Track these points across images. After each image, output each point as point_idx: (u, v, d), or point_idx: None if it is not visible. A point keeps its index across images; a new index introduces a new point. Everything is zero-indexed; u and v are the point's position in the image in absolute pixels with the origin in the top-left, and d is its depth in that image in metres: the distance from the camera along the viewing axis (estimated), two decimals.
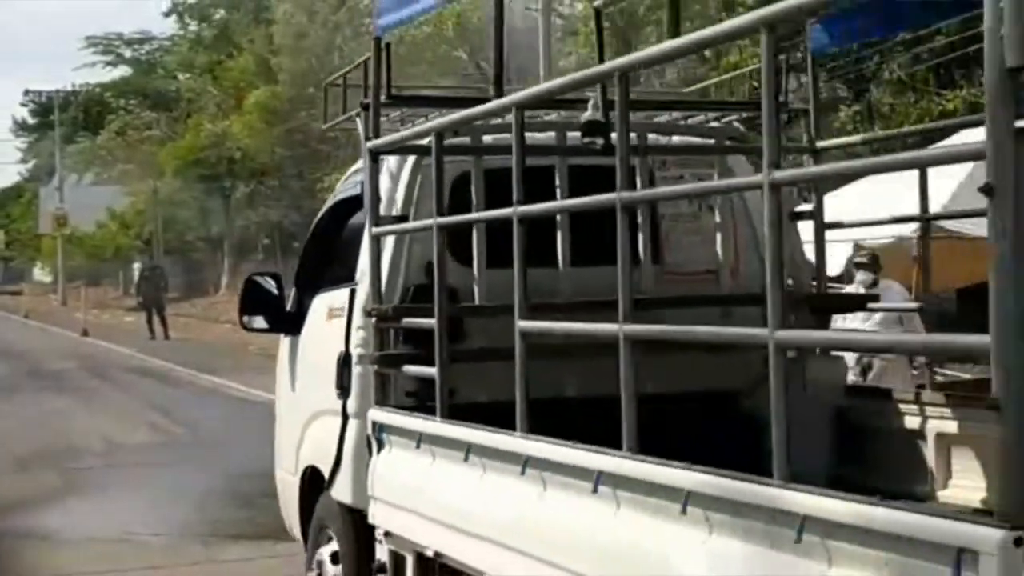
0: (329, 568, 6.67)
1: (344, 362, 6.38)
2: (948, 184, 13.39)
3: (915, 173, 15.47)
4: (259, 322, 7.61)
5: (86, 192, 65.53)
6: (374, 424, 5.97)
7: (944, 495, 5.69)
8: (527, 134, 5.07)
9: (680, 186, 5.85)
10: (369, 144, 6.09)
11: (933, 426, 5.70)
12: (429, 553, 5.50)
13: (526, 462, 4.70)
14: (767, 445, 3.52)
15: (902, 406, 5.89)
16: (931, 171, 15.32)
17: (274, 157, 41.00)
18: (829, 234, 14.37)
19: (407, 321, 5.96)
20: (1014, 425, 2.89)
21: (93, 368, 26.59)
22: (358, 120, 6.35)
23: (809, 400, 5.66)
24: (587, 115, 5.64)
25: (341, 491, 6.43)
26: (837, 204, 15.91)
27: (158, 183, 51.95)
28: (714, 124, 6.92)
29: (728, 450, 4.15)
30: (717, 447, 4.13)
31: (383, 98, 6.13)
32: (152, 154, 50.98)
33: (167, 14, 56.55)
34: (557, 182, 5.88)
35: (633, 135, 5.42)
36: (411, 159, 6.31)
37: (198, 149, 44.74)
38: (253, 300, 7.62)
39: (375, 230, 6.08)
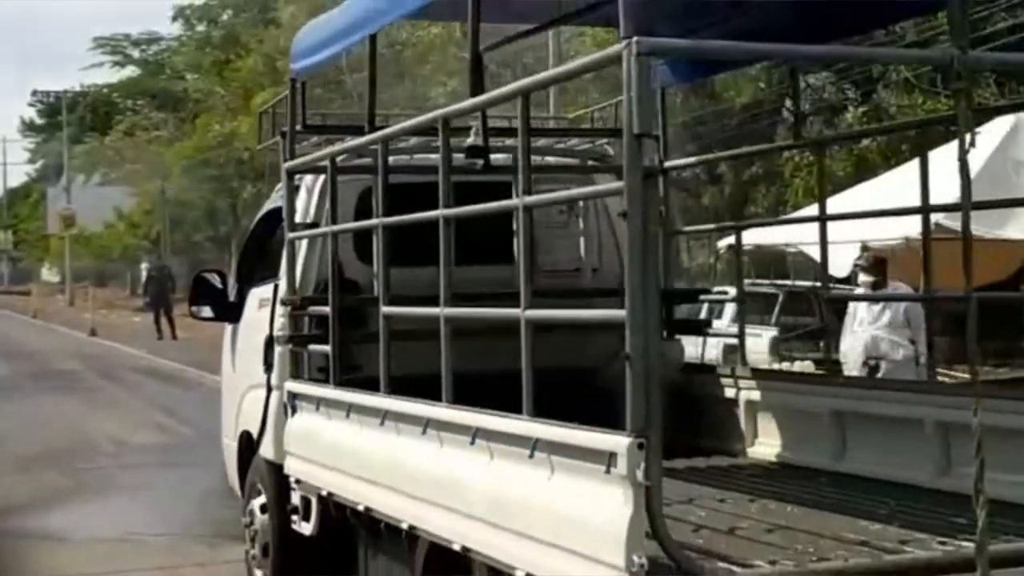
0: (258, 516, 8.05)
1: (269, 344, 7.73)
2: (955, 189, 13.34)
3: (929, 171, 15.29)
4: (206, 311, 9.14)
5: (94, 192, 65.56)
6: (288, 393, 7.39)
7: (752, 451, 7.08)
8: (427, 155, 6.63)
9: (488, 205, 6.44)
10: (286, 165, 7.45)
11: (744, 396, 7.17)
12: (324, 493, 6.89)
13: (384, 415, 6.17)
14: (616, 406, 4.59)
15: (723, 380, 7.35)
16: (941, 172, 15.25)
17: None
18: (836, 234, 14.34)
19: (312, 309, 7.30)
20: (636, 372, 4.23)
21: (100, 368, 26.61)
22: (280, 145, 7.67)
23: None
24: (470, 140, 6.60)
25: (266, 449, 7.82)
26: (848, 202, 15.88)
27: (165, 183, 52.00)
28: (584, 146, 8.24)
29: (584, 411, 5.14)
30: (575, 410, 5.08)
31: (298, 127, 7.44)
32: (160, 154, 51.02)
33: (174, 18, 56.63)
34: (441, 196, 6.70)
35: (509, 156, 6.98)
36: (323, 176, 7.37)
37: (206, 149, 44.74)
38: (201, 293, 9.18)
39: (290, 235, 7.46)
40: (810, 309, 22.38)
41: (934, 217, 12.80)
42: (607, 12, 7.04)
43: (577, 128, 8.59)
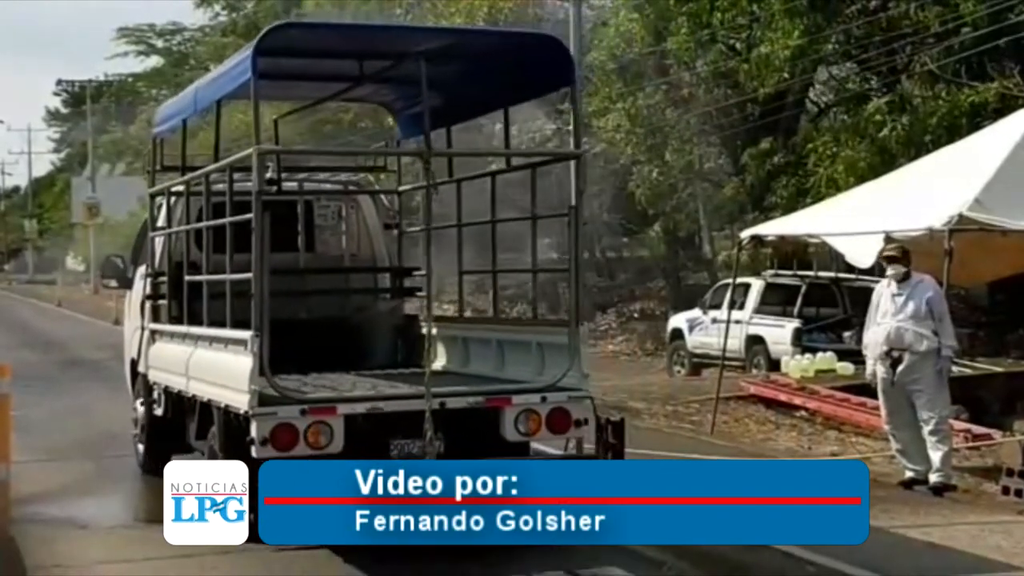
0: (140, 411, 12.36)
1: (143, 300, 12.05)
2: (978, 182, 13.31)
3: (950, 163, 15.25)
4: (113, 283, 13.86)
5: (118, 182, 65.82)
6: (150, 331, 11.80)
7: (435, 366, 10.50)
8: (243, 183, 9.80)
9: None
10: (149, 191, 12.25)
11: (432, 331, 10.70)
12: (163, 387, 11.30)
13: (184, 336, 10.68)
14: (360, 337, 11.59)
15: (422, 323, 11.27)
16: (963, 165, 15.17)
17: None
18: (861, 226, 14.39)
19: (160, 279, 11.56)
20: (256, 305, 8.73)
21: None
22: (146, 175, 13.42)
23: (381, 320, 11.93)
24: (268, 175, 10.93)
25: (141, 366, 12.04)
26: (868, 193, 15.83)
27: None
28: (351, 176, 12.67)
29: (339, 340, 11.41)
30: (335, 340, 11.33)
31: (158, 167, 12.01)
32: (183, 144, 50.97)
33: (198, 4, 56.74)
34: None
35: (296, 184, 12.25)
36: (173, 198, 11.67)
37: (229, 140, 44.76)
38: (108, 269, 13.89)
39: (151, 234, 11.91)
40: (833, 300, 22.39)
41: (958, 208, 12.86)
42: (362, 92, 11.69)
43: (339, 166, 13.09)
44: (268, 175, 10.90)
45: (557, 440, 9.75)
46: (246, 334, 8.75)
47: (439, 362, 11.10)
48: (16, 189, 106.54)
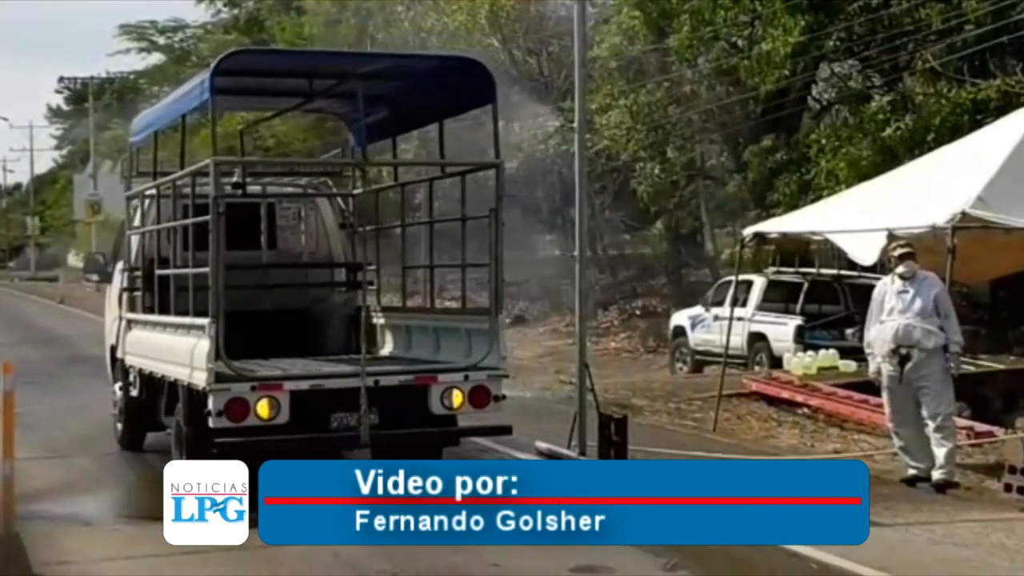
0: (118, 393, 13.66)
1: (120, 293, 13.22)
2: (980, 179, 13.29)
3: (953, 161, 15.24)
4: (95, 277, 15.67)
5: (120, 179, 65.73)
6: (127, 320, 12.95)
7: (383, 350, 12.59)
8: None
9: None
10: (126, 194, 13.58)
11: (380, 321, 12.76)
12: (138, 370, 12.39)
13: (155, 324, 11.94)
14: (317, 327, 12.93)
15: (374, 313, 12.61)
16: (966, 163, 15.14)
17: (307, 145, 41.09)
18: (863, 223, 14.30)
19: (135, 273, 12.78)
20: (213, 296, 10.10)
21: None
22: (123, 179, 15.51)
23: (336, 311, 13.04)
24: (234, 179, 11.92)
25: (119, 352, 13.27)
26: (871, 191, 15.83)
27: None
28: (312, 180, 13.84)
29: (299, 329, 12.72)
30: (294, 329, 12.62)
31: (134, 173, 13.42)
32: (185, 141, 50.96)
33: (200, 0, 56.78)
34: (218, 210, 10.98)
35: (259, 187, 13.23)
36: (147, 200, 12.84)
37: (231, 136, 44.72)
38: (91, 265, 15.93)
39: (128, 232, 13.18)
40: (835, 297, 22.38)
41: (961, 206, 12.85)
42: (318, 105, 13.26)
43: (297, 171, 14.66)
44: (235, 179, 12.00)
45: (479, 414, 10.79)
46: (205, 321, 10.07)
47: (387, 348, 12.65)
48: (18, 186, 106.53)
